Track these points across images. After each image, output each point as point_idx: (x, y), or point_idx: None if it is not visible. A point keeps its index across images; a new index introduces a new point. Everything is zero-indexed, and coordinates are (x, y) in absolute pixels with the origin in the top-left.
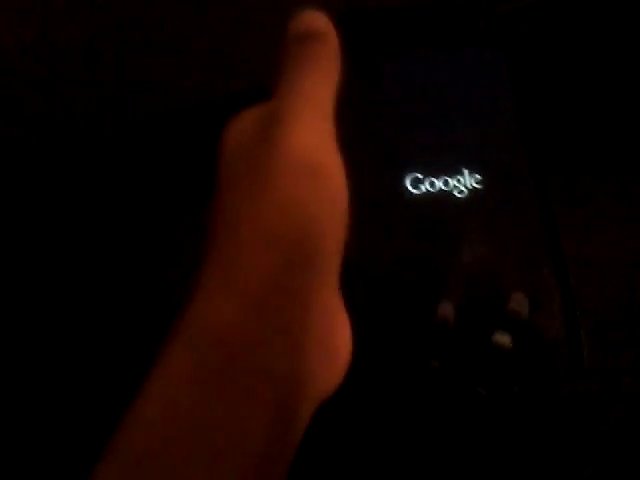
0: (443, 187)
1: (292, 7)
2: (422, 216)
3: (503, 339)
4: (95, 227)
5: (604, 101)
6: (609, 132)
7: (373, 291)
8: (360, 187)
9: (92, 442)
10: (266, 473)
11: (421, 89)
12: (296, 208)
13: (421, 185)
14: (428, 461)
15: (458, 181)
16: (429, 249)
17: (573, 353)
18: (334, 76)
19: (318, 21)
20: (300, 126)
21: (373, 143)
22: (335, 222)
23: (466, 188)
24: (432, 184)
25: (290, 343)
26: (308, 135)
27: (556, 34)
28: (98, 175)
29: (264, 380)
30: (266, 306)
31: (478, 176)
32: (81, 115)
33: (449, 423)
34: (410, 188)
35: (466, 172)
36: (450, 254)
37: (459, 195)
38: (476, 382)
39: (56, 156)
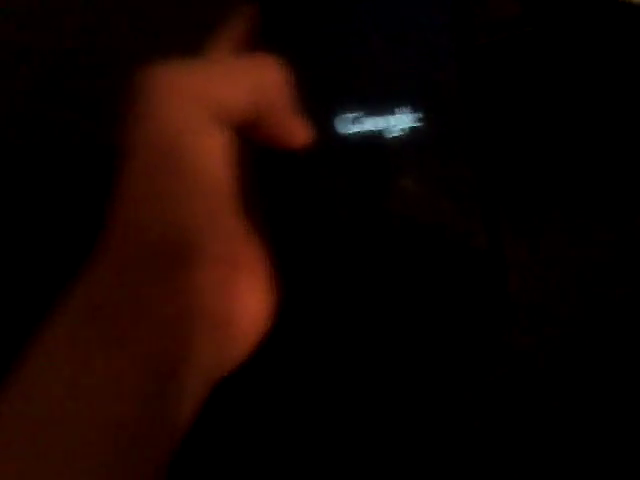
0: (376, 127)
1: None
2: (352, 158)
3: None
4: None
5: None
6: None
7: (300, 239)
8: None
9: None
10: (142, 442)
11: (351, 22)
12: (152, 206)
13: (352, 125)
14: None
15: (391, 120)
16: (360, 192)
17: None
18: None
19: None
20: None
21: (301, 80)
22: (197, 207)
23: (400, 128)
24: (364, 124)
25: (163, 316)
26: (173, 119)
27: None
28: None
29: (136, 351)
30: (140, 282)
31: (412, 115)
32: None
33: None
34: (340, 128)
35: (400, 110)
36: (382, 196)
37: (392, 135)
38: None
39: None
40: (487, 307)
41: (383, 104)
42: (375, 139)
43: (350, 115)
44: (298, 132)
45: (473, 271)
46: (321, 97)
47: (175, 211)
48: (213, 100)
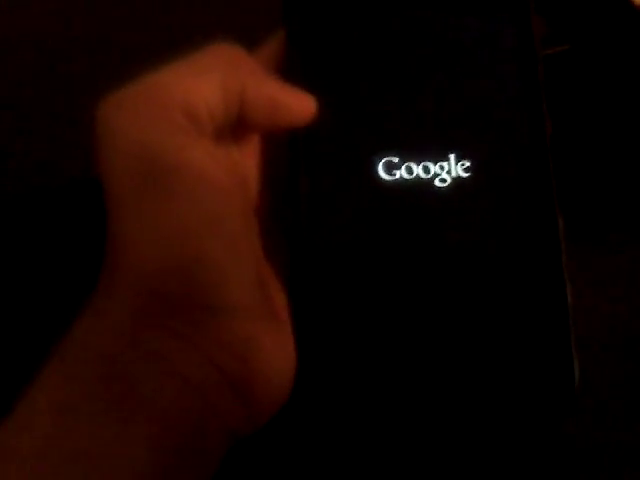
0: (422, 174)
1: None
2: (394, 208)
3: None
4: None
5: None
6: None
7: (335, 292)
8: (322, 171)
9: None
10: None
11: (401, 50)
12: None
13: (396, 171)
14: None
15: (441, 168)
16: (401, 248)
17: (563, 373)
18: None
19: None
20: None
21: (339, 118)
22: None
23: (450, 176)
24: (409, 170)
25: (182, 374)
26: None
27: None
28: None
29: (143, 413)
30: (143, 336)
31: (466, 163)
32: None
33: None
34: (383, 175)
35: (452, 157)
36: (424, 254)
37: (440, 184)
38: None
39: None
40: (549, 396)
41: (430, 149)
42: (419, 187)
43: (393, 160)
44: (295, 106)
45: (530, 347)
46: (361, 138)
47: (182, 248)
48: (181, 103)
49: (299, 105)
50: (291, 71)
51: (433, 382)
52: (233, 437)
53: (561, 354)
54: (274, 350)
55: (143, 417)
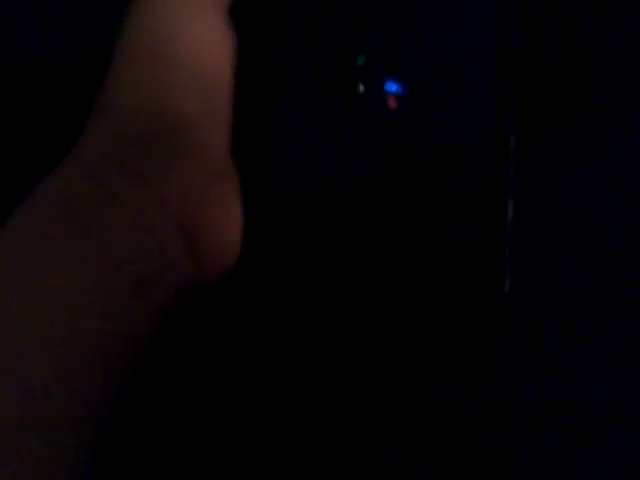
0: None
1: None
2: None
3: None
4: None
5: None
6: None
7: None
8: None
9: None
10: (106, 346)
11: None
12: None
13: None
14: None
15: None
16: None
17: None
18: None
19: None
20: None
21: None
22: (198, 97)
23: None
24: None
25: (136, 209)
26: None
27: None
28: None
29: (104, 246)
30: (116, 172)
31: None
32: None
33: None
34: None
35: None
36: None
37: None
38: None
39: None
40: (479, 306)
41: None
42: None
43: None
44: None
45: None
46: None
47: (162, 100)
48: None
49: None
50: None
51: (370, 258)
52: (182, 288)
53: (493, 264)
54: (223, 210)
55: (98, 252)
